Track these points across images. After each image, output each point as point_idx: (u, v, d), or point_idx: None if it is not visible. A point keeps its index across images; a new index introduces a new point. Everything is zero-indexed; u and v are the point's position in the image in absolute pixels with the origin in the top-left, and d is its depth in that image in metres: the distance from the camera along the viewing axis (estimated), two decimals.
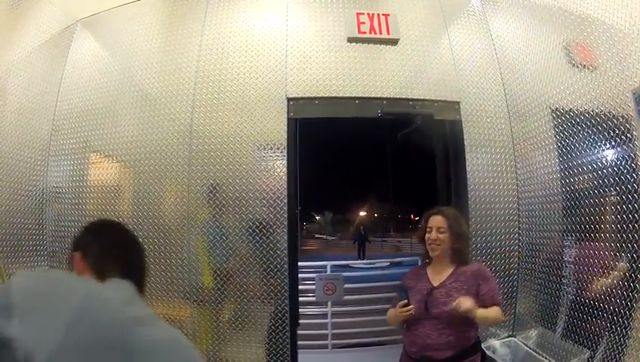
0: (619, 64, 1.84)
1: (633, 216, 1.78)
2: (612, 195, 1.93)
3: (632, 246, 1.79)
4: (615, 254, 1.90)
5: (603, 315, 1.94)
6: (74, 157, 2.80)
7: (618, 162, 1.88)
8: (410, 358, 2.12)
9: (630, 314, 1.79)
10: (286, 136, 2.67)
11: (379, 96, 2.76)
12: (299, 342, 2.74)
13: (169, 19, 2.93)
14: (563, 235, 2.33)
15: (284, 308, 2.58)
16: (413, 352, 2.10)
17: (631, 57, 1.78)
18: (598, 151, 2.02)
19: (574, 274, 2.22)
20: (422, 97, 2.79)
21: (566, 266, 2.28)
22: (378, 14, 2.83)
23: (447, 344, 2.01)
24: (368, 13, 2.83)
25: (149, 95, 2.79)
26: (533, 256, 2.61)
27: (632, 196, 1.79)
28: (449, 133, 2.89)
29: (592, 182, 2.06)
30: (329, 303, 4.81)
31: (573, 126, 2.18)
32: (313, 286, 4.35)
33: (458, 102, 2.81)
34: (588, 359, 2.02)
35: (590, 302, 2.05)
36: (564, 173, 2.30)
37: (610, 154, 1.94)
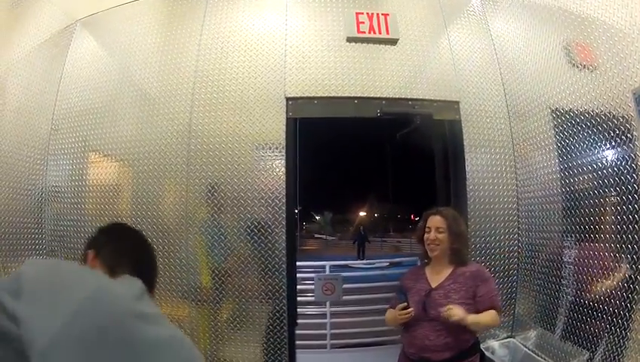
0: (619, 64, 1.83)
1: (633, 217, 1.78)
2: (612, 196, 1.92)
3: (632, 248, 1.78)
4: (615, 255, 1.89)
5: (602, 316, 1.93)
6: (73, 156, 2.79)
7: (618, 162, 1.87)
8: (409, 359, 2.12)
9: (630, 316, 1.78)
10: (285, 136, 2.67)
11: (378, 96, 2.75)
12: (297, 342, 2.74)
13: (168, 18, 2.93)
14: (563, 236, 2.32)
15: (282, 308, 2.57)
16: (412, 353, 2.09)
17: (631, 57, 1.77)
18: (598, 152, 2.01)
19: (574, 275, 2.21)
20: (421, 97, 2.78)
21: (565, 267, 2.27)
22: (377, 14, 2.83)
23: (446, 345, 2.00)
24: (368, 13, 2.82)
25: (147, 94, 2.78)
26: (533, 256, 2.60)
27: (632, 197, 1.78)
28: (448, 133, 2.89)
29: (592, 183, 2.05)
30: (328, 303, 4.81)
31: (573, 126, 2.18)
32: (312, 286, 4.36)
33: (457, 102, 2.80)
34: (587, 360, 2.01)
35: (589, 304, 2.04)
36: (564, 174, 2.29)
37: (610, 154, 1.93)
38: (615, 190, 1.89)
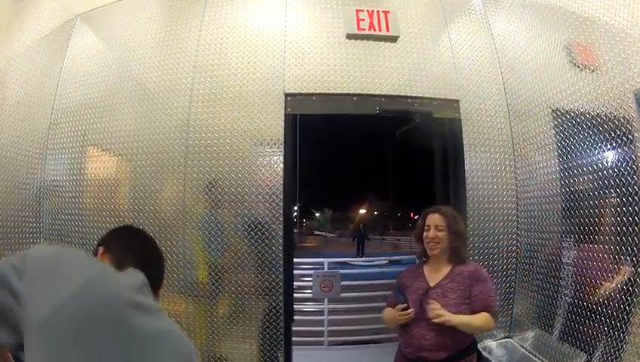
0: (620, 64, 1.82)
1: (633, 219, 1.76)
2: (612, 197, 1.91)
3: (632, 250, 1.77)
4: (614, 257, 1.88)
5: (600, 319, 1.92)
6: (72, 150, 2.78)
7: (619, 164, 1.86)
8: (406, 358, 2.11)
9: (628, 319, 1.77)
10: (283, 132, 2.65)
11: (377, 93, 2.73)
12: (295, 339, 2.74)
13: (168, 13, 2.91)
14: (562, 237, 2.31)
15: (279, 304, 2.57)
16: (409, 353, 2.09)
17: (633, 58, 1.75)
18: (598, 153, 2.00)
19: (572, 277, 2.20)
20: (421, 95, 2.76)
21: (564, 268, 2.26)
22: (378, 11, 2.81)
23: (443, 345, 2.00)
24: (368, 10, 2.80)
25: (146, 89, 2.77)
26: (532, 256, 2.59)
27: (633, 198, 1.77)
28: (448, 131, 2.87)
29: (592, 184, 2.03)
30: (326, 300, 4.81)
31: (574, 126, 2.16)
32: (311, 283, 4.36)
33: (457, 101, 2.78)
34: None
35: (588, 305, 2.03)
36: (564, 174, 2.27)
37: (610, 155, 1.92)
38: (615, 191, 1.87)
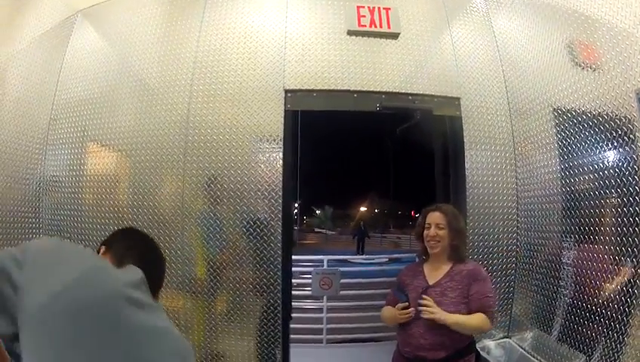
0: (622, 64, 1.80)
1: (634, 220, 1.75)
2: (613, 197, 1.89)
3: (632, 251, 1.75)
4: (614, 258, 1.86)
5: (600, 320, 1.91)
6: (72, 146, 2.77)
7: (620, 163, 1.84)
8: (404, 357, 2.11)
9: (627, 320, 1.76)
10: (283, 129, 2.64)
11: (378, 90, 2.72)
12: (293, 336, 2.75)
13: (169, 9, 2.90)
14: (562, 236, 2.30)
15: (277, 301, 2.56)
16: (407, 352, 2.08)
17: (634, 57, 1.74)
18: (599, 152, 1.98)
19: (572, 277, 2.19)
20: (421, 92, 2.75)
21: (564, 268, 2.25)
22: (379, 7, 2.79)
23: (441, 344, 1.99)
24: (369, 7, 2.78)
25: (147, 85, 2.76)
26: (531, 256, 2.58)
27: (634, 199, 1.76)
28: (449, 129, 2.87)
29: (593, 184, 2.02)
30: (325, 298, 4.81)
31: (575, 126, 2.15)
32: (310, 281, 4.36)
33: (458, 98, 2.77)
34: None
35: (587, 306, 2.01)
36: (565, 174, 2.26)
37: (611, 155, 1.90)
38: (616, 191, 1.86)
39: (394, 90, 2.73)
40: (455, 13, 2.93)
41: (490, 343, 2.58)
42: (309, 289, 4.42)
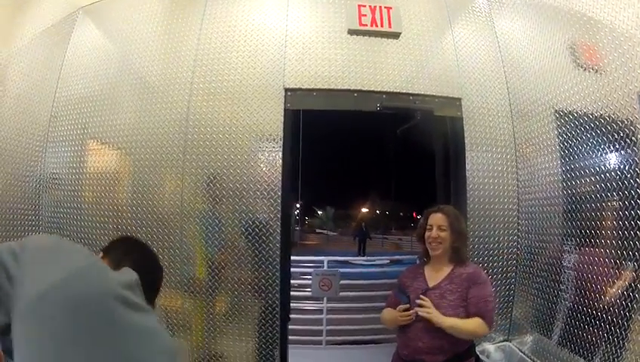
0: (624, 65, 1.78)
1: (635, 223, 1.72)
2: (614, 200, 1.87)
3: (634, 255, 1.73)
4: (615, 262, 1.84)
5: (601, 324, 1.89)
6: (72, 143, 2.77)
7: (621, 166, 1.82)
8: (403, 360, 2.08)
9: (628, 325, 1.74)
10: (282, 128, 2.63)
11: (378, 89, 2.71)
12: (293, 337, 2.73)
13: (169, 7, 2.90)
14: (563, 240, 2.27)
15: (275, 302, 2.55)
16: (405, 355, 2.06)
17: (637, 59, 1.72)
18: (601, 155, 1.96)
19: (573, 281, 2.17)
20: (422, 92, 2.74)
21: (565, 272, 2.23)
22: (380, 7, 2.78)
23: (440, 348, 1.96)
24: (370, 6, 2.77)
25: (147, 83, 2.76)
26: (532, 259, 2.56)
27: (635, 202, 1.73)
28: (450, 130, 2.85)
29: (594, 186, 2.00)
30: (325, 299, 4.80)
31: (577, 128, 2.12)
32: (310, 281, 4.35)
33: (459, 99, 2.75)
34: None
35: (588, 310, 1.99)
36: (566, 176, 2.24)
37: (613, 157, 1.88)
38: (617, 194, 1.84)
39: (395, 90, 2.72)
40: (457, 13, 2.92)
41: (489, 347, 2.55)
42: (309, 290, 4.41)
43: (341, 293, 4.53)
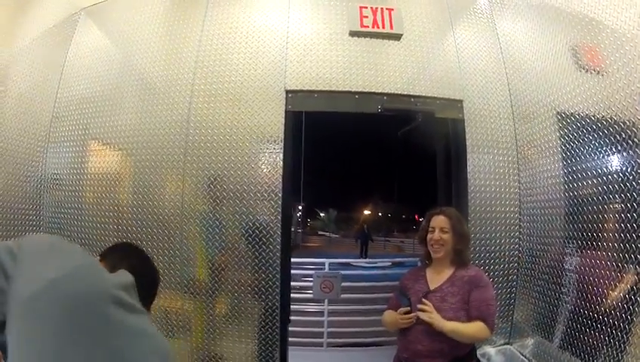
0: (626, 66, 1.78)
1: (637, 225, 1.71)
2: (616, 202, 1.86)
3: (636, 257, 1.72)
4: (617, 264, 1.83)
5: (602, 327, 1.87)
6: (73, 144, 2.78)
7: (624, 168, 1.81)
8: None
9: (629, 328, 1.72)
10: (283, 129, 2.63)
11: (380, 91, 2.70)
12: (293, 340, 2.72)
13: (171, 8, 2.91)
14: (564, 242, 2.26)
15: (275, 304, 2.54)
16: (405, 358, 2.05)
17: (639, 60, 1.71)
18: (603, 156, 1.95)
19: (574, 283, 2.15)
20: (424, 94, 2.73)
21: (566, 274, 2.21)
22: (381, 8, 2.77)
23: (440, 351, 1.94)
24: (372, 7, 2.77)
25: (148, 83, 2.76)
26: (533, 262, 2.55)
27: (637, 204, 1.72)
28: (451, 132, 2.84)
29: (596, 188, 1.99)
30: (326, 301, 4.79)
31: (579, 129, 2.12)
32: (312, 283, 4.34)
33: (461, 101, 2.74)
34: None
35: (589, 314, 1.98)
36: (568, 178, 2.23)
37: (615, 159, 1.87)
38: (620, 197, 1.82)
39: (396, 92, 2.72)
40: (458, 14, 2.91)
41: (490, 350, 2.54)
42: (311, 292, 4.40)
43: (342, 295, 4.52)
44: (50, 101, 2.84)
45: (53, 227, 2.70)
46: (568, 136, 2.21)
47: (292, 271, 2.95)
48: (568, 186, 2.23)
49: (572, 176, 2.19)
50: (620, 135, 1.82)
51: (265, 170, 2.60)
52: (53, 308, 0.79)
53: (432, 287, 2.08)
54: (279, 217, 2.57)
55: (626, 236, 1.76)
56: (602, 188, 1.94)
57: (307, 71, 2.70)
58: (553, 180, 2.38)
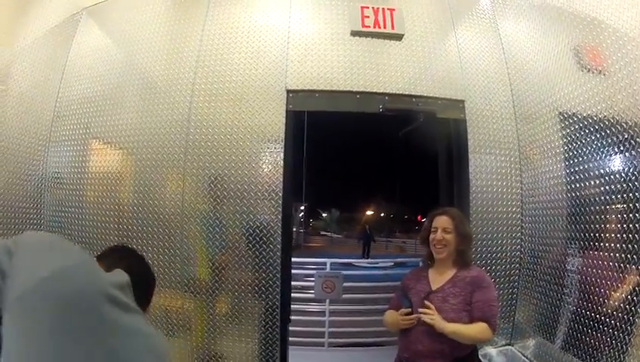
0: (628, 66, 1.77)
1: None
2: (619, 203, 1.85)
3: (638, 258, 1.71)
4: (620, 265, 1.82)
5: (604, 329, 1.86)
6: (75, 143, 2.78)
7: (626, 168, 1.80)
8: None
9: (632, 330, 1.71)
10: (284, 129, 2.62)
11: (381, 91, 2.70)
12: (294, 339, 2.72)
13: (172, 8, 2.91)
14: (567, 243, 2.25)
15: (276, 303, 2.54)
16: (406, 358, 2.04)
17: None
18: (605, 157, 1.94)
19: (576, 284, 2.14)
20: (425, 94, 2.72)
21: (568, 275, 2.20)
22: (383, 8, 2.77)
23: (441, 352, 1.93)
24: (373, 7, 2.77)
25: (149, 83, 2.77)
26: (535, 263, 2.53)
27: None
28: (453, 132, 2.83)
29: (599, 189, 1.98)
30: (327, 301, 4.78)
31: (581, 130, 2.11)
32: (313, 283, 4.33)
33: (463, 101, 2.73)
34: None
35: (591, 315, 1.97)
36: (570, 179, 2.22)
37: (617, 160, 1.86)
38: (622, 197, 1.81)
39: (397, 92, 2.71)
40: (460, 14, 2.90)
41: (492, 351, 2.54)
42: (312, 291, 4.40)
43: (344, 295, 4.51)
44: (51, 100, 2.85)
45: (54, 226, 2.71)
46: (570, 137, 2.20)
47: (294, 271, 2.95)
48: (570, 187, 2.22)
49: (574, 177, 2.18)
50: (623, 135, 1.82)
51: (265, 170, 2.60)
52: (47, 306, 0.79)
53: (434, 288, 2.07)
54: (280, 217, 2.57)
55: (628, 237, 1.76)
56: (604, 189, 1.93)
57: (308, 70, 2.70)
58: (555, 181, 2.37)
